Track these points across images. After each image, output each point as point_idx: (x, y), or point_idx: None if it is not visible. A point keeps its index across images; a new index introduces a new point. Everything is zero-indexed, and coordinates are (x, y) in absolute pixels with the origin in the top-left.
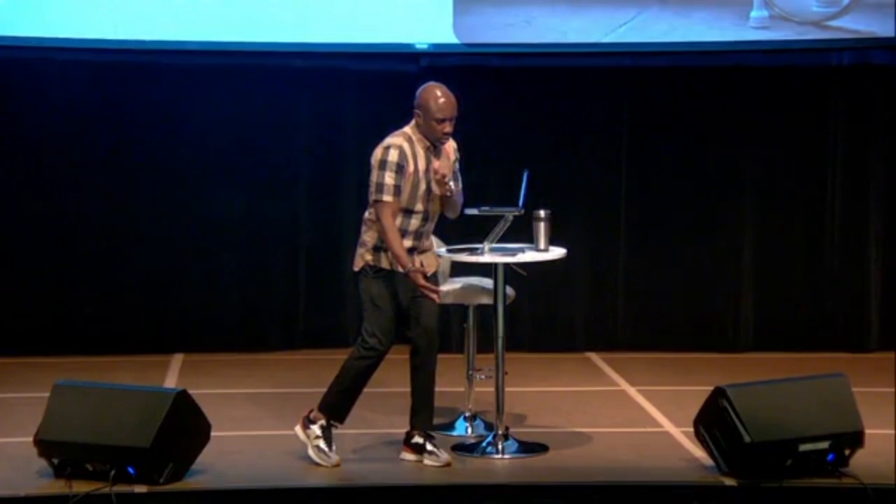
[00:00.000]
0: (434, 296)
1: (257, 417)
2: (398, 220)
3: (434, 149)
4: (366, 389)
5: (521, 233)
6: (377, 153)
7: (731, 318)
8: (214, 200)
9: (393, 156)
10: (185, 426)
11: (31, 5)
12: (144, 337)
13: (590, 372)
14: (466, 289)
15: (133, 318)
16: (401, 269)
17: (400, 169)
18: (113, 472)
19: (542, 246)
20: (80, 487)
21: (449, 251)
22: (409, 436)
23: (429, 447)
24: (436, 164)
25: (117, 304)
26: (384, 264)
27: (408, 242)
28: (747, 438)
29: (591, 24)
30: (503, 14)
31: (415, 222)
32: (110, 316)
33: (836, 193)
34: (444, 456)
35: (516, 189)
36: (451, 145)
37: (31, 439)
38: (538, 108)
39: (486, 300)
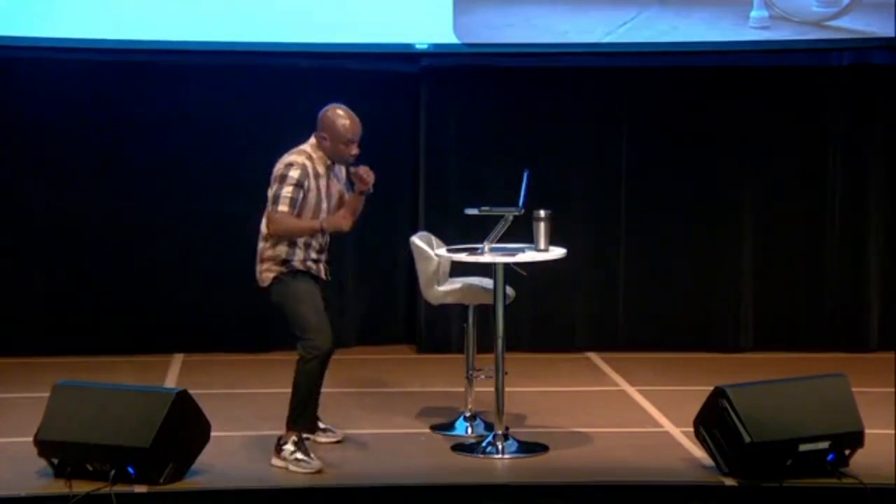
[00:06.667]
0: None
1: (257, 417)
2: (304, 238)
3: (333, 166)
4: (365, 390)
5: (521, 233)
6: (279, 168)
7: (731, 318)
8: (214, 200)
9: (294, 172)
10: (185, 426)
11: (32, 5)
12: (144, 337)
13: (590, 372)
14: (466, 289)
15: (133, 318)
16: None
17: (300, 185)
18: (113, 472)
19: (542, 246)
20: (80, 487)
21: (449, 251)
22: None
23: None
24: (361, 170)
25: (117, 304)
26: (298, 267)
27: (313, 255)
28: (747, 438)
29: (591, 24)
30: (503, 14)
31: (318, 237)
32: (110, 316)
33: (836, 193)
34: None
35: (516, 189)
36: None
37: (31, 439)
38: (538, 108)
39: (486, 300)
